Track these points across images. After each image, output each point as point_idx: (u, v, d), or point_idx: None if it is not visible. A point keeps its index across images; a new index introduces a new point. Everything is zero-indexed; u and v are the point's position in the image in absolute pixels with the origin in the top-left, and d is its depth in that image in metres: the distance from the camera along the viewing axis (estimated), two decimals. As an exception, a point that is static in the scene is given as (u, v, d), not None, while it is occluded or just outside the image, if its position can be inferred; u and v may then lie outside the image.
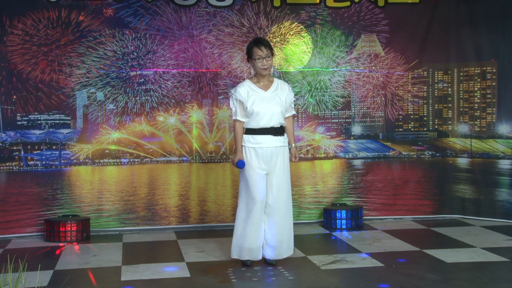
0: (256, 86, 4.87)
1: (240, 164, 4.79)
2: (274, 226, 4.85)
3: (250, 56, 4.86)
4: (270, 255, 4.90)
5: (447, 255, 5.12)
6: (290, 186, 4.97)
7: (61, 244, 5.80)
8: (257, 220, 4.82)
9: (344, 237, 5.98)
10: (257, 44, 4.82)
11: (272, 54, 4.87)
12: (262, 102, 4.81)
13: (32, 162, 6.32)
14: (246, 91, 4.83)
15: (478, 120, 6.99)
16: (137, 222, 6.42)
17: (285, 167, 4.88)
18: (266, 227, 4.88)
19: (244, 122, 4.86)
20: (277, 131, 4.85)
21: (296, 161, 5.06)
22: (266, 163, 4.80)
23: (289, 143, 4.99)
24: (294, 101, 5.06)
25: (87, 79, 6.35)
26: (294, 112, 5.09)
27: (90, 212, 6.33)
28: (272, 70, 4.93)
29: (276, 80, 4.97)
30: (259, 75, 4.87)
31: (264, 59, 4.78)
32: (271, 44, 5.02)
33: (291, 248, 4.99)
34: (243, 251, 4.87)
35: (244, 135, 4.86)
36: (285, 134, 4.95)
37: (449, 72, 7.05)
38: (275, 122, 4.83)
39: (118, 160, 6.49)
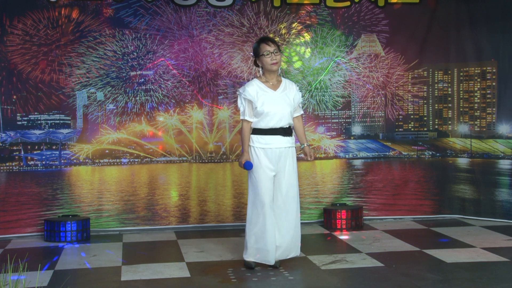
0: (265, 86, 4.74)
1: (248, 166, 4.67)
2: (283, 227, 4.76)
3: (257, 54, 4.73)
4: (278, 254, 4.80)
5: (447, 255, 5.12)
6: (298, 187, 4.87)
7: (61, 244, 5.81)
8: (268, 222, 4.66)
9: (344, 237, 5.98)
10: (264, 40, 4.75)
11: (280, 51, 4.79)
12: (272, 102, 4.69)
13: (32, 162, 6.32)
14: (255, 90, 4.70)
15: (478, 120, 6.99)
16: (137, 222, 6.42)
17: (294, 168, 4.79)
18: (275, 227, 4.76)
19: (252, 122, 4.74)
20: (286, 131, 4.75)
21: (312, 160, 4.95)
22: (274, 164, 4.70)
23: (301, 143, 4.92)
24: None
25: (87, 79, 6.36)
26: (302, 112, 5.01)
27: (90, 212, 6.33)
28: (280, 69, 4.83)
29: (284, 79, 4.87)
30: (268, 73, 4.75)
31: (272, 54, 4.68)
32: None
33: (298, 248, 4.88)
34: (259, 251, 4.72)
35: (252, 135, 4.74)
36: (293, 135, 4.86)
37: (449, 72, 7.05)
38: (284, 123, 4.73)
39: (118, 160, 6.49)
